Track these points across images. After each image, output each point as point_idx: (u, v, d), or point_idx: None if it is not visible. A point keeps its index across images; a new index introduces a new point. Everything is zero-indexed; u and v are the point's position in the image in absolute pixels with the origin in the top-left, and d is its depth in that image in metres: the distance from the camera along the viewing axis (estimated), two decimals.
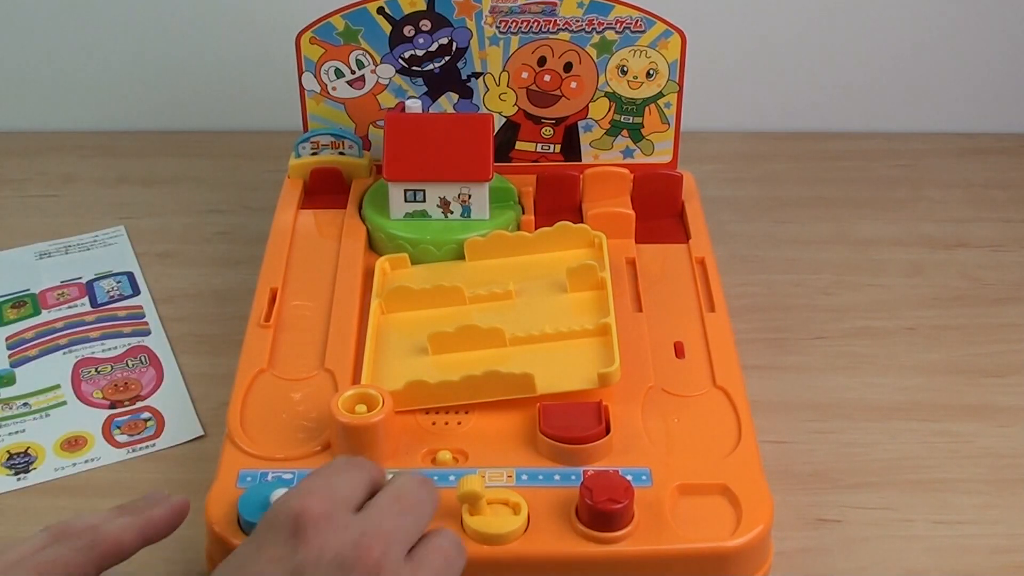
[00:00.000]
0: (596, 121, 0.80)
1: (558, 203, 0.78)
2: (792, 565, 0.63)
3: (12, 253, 0.86)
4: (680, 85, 0.78)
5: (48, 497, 0.67)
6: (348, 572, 0.47)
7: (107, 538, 0.53)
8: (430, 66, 0.78)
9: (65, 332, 0.78)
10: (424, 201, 0.74)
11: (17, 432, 0.71)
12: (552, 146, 0.81)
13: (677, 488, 0.60)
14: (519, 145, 0.81)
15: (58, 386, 0.74)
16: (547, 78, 0.79)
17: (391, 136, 0.74)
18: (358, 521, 0.49)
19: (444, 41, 0.78)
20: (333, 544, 0.47)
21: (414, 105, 0.77)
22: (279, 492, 0.57)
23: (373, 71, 0.79)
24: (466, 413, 0.64)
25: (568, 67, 0.78)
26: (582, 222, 0.75)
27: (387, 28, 0.77)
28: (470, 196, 0.74)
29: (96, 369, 0.75)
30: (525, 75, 0.78)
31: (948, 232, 0.88)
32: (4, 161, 0.96)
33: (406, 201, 0.74)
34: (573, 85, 0.79)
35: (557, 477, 0.60)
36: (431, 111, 0.80)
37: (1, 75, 0.99)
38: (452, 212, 0.75)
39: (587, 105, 0.79)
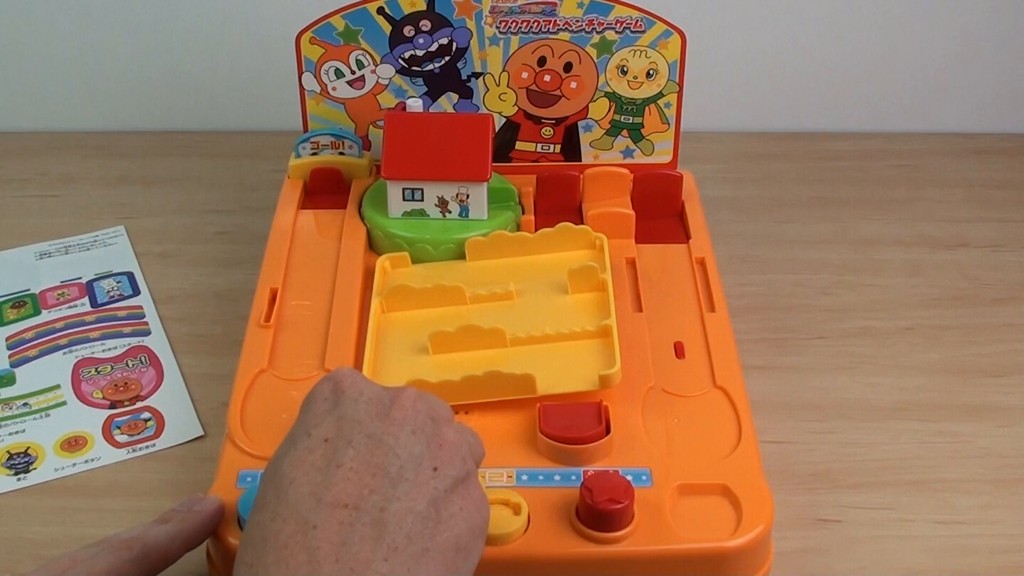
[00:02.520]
0: (596, 121, 0.80)
1: (558, 203, 0.78)
2: (792, 565, 0.63)
3: (12, 253, 0.86)
4: (680, 85, 0.78)
5: (48, 497, 0.67)
6: (385, 408, 0.51)
7: (156, 549, 0.55)
8: (430, 66, 0.78)
9: (65, 332, 0.78)
10: (422, 200, 0.74)
11: (17, 432, 0.71)
12: (552, 146, 0.81)
13: (677, 488, 0.60)
14: (519, 145, 0.81)
15: (58, 386, 0.74)
16: (547, 78, 0.79)
17: (390, 135, 0.74)
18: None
19: (444, 41, 0.78)
20: (368, 392, 0.52)
21: (415, 104, 0.77)
22: None
23: (373, 71, 0.79)
24: (466, 413, 0.64)
25: (568, 67, 0.78)
26: (582, 222, 0.75)
27: (387, 28, 0.77)
28: (468, 196, 0.74)
29: (96, 369, 0.75)
30: (525, 75, 0.78)
31: (948, 232, 0.88)
32: (4, 161, 0.96)
33: (404, 200, 0.74)
34: (573, 85, 0.79)
35: (557, 477, 0.60)
36: (431, 111, 0.80)
37: (1, 75, 0.99)
38: (450, 212, 0.75)
39: (587, 105, 0.79)
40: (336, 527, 0.47)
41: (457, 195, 0.74)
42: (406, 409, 0.51)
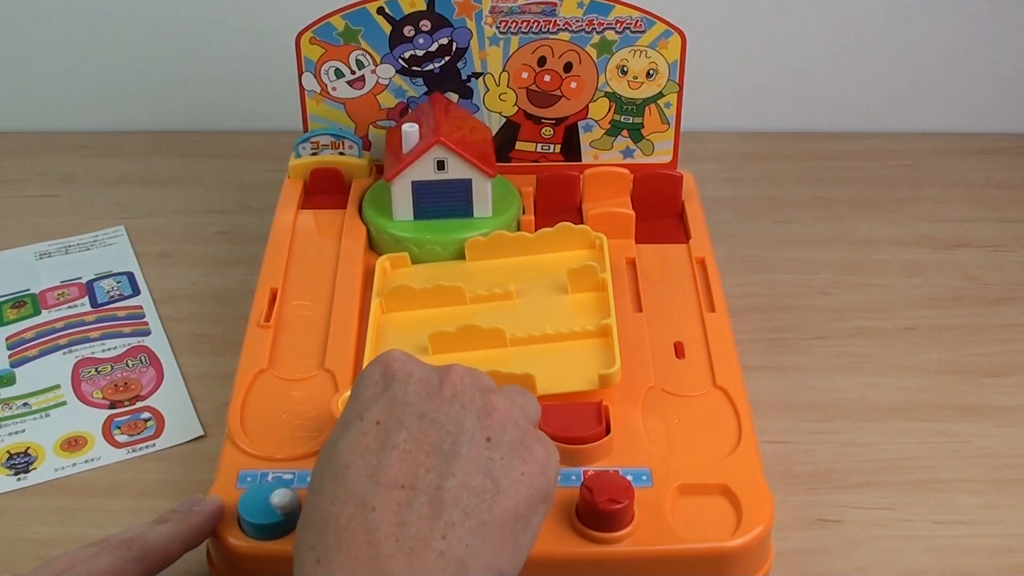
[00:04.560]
0: (596, 121, 0.80)
1: (558, 203, 0.78)
2: (792, 565, 0.63)
3: (12, 253, 0.86)
4: (680, 85, 0.78)
5: (48, 497, 0.67)
6: (434, 387, 0.52)
7: (155, 549, 0.56)
8: (430, 66, 0.78)
9: (65, 332, 0.78)
10: None
11: (17, 432, 0.71)
12: (552, 146, 0.81)
13: (677, 488, 0.60)
14: (519, 145, 0.81)
15: (58, 386, 0.74)
16: (547, 78, 0.79)
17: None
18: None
19: (444, 41, 0.78)
20: (417, 372, 0.53)
21: (411, 130, 0.74)
22: (279, 492, 0.57)
23: (373, 71, 0.79)
24: None
25: (568, 67, 0.78)
26: (582, 222, 0.75)
27: (387, 28, 0.77)
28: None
29: (96, 369, 0.75)
30: (525, 75, 0.78)
31: (948, 232, 0.88)
32: (4, 161, 0.96)
33: None
34: (573, 85, 0.79)
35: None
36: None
37: (1, 75, 0.99)
38: None
39: (587, 105, 0.79)
40: (394, 508, 0.48)
41: None
42: (455, 385, 0.52)
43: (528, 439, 0.52)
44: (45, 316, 0.79)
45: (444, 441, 0.50)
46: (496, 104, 0.79)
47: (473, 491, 0.49)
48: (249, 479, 0.61)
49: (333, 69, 0.79)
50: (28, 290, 0.82)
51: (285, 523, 0.57)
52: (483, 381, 0.54)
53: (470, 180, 0.73)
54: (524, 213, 0.77)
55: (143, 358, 0.76)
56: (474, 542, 0.48)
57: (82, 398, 0.73)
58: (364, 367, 0.55)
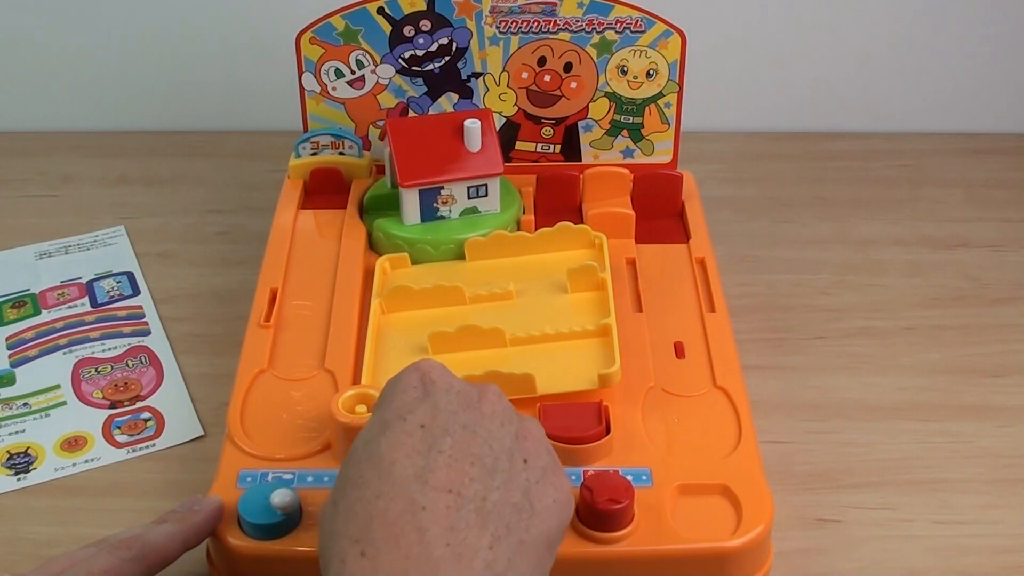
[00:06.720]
0: (596, 121, 0.80)
1: (558, 203, 0.78)
2: (792, 565, 0.63)
3: (12, 253, 0.86)
4: (680, 85, 0.78)
5: (48, 497, 0.67)
6: (474, 402, 0.52)
7: (154, 548, 0.55)
8: (430, 66, 0.78)
9: (65, 332, 0.78)
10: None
11: (17, 432, 0.71)
12: (552, 146, 0.81)
13: (677, 488, 0.60)
14: (519, 145, 0.81)
15: (58, 386, 0.74)
16: (547, 78, 0.79)
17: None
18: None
19: (444, 41, 0.78)
20: (457, 385, 0.53)
21: (473, 125, 0.74)
22: (279, 492, 0.57)
23: (373, 71, 0.79)
24: None
25: (568, 67, 0.78)
26: (582, 222, 0.75)
27: (387, 28, 0.77)
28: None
29: (96, 369, 0.75)
30: (525, 75, 0.78)
31: (948, 232, 0.88)
32: (4, 161, 0.96)
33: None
34: (573, 85, 0.79)
35: None
36: (431, 111, 0.80)
37: (1, 75, 0.99)
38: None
39: (587, 105, 0.79)
40: (443, 511, 0.47)
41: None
42: (493, 404, 0.53)
43: (557, 468, 0.53)
44: (45, 316, 0.79)
45: (486, 455, 0.50)
46: (496, 104, 0.79)
47: (514, 508, 0.49)
48: (249, 479, 0.61)
49: (333, 69, 0.79)
50: (28, 290, 0.82)
51: (285, 523, 0.57)
52: (512, 406, 0.54)
53: None
54: (524, 213, 0.77)
55: (143, 358, 0.76)
56: (514, 559, 0.48)
57: (82, 398, 0.73)
58: (399, 372, 0.54)
